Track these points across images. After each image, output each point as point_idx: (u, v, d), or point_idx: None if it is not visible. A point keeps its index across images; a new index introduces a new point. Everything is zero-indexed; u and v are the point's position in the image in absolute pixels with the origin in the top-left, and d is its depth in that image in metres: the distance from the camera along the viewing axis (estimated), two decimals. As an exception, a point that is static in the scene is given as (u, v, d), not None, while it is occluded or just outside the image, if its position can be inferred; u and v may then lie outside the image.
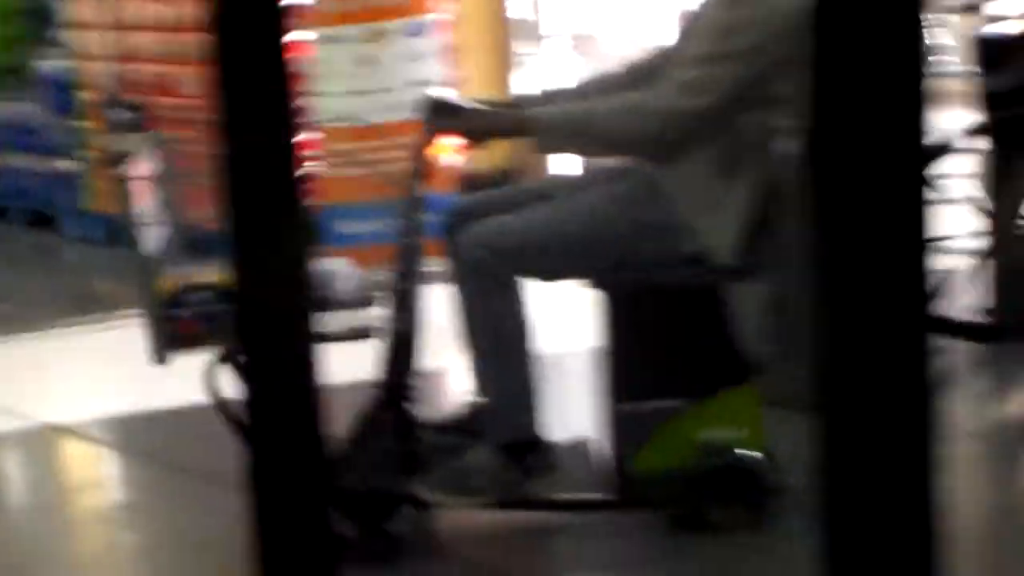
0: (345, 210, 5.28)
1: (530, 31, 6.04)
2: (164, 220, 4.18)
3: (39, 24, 7.19)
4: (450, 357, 3.61)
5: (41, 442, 4.72)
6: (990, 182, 4.23)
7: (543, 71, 5.92)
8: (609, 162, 3.63)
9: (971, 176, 4.35)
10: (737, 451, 3.32)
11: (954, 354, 4.18)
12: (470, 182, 4.36)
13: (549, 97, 3.72)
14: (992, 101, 4.16)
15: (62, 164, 6.73)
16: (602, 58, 5.67)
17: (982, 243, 4.38)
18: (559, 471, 3.39)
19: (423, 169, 3.35)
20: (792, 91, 3.18)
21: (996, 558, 3.13)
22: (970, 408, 3.99)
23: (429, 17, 5.25)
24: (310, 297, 1.57)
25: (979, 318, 4.36)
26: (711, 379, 3.33)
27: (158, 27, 6.07)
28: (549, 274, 3.38)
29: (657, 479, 3.36)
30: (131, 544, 3.86)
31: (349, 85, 5.17)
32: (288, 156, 1.29)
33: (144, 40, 6.22)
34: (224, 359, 3.39)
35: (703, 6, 3.40)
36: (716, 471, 3.32)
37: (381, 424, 3.48)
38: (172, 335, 3.96)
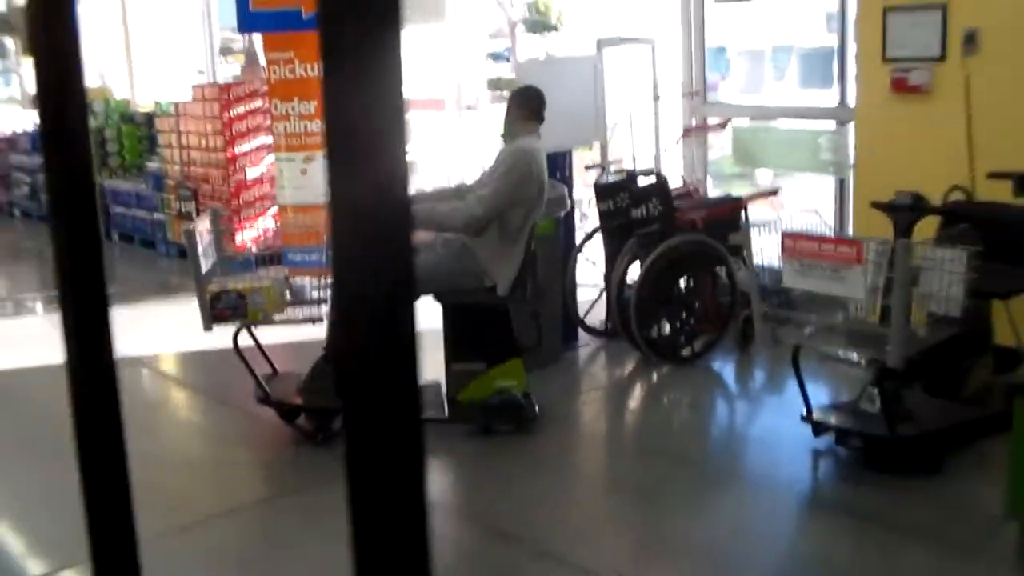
0: (297, 249, 9.11)
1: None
2: (210, 253, 5.18)
3: (148, 142, 11.07)
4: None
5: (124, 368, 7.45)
6: (608, 255, 6.26)
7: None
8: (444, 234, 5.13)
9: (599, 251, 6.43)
10: (512, 393, 5.04)
11: (588, 343, 6.47)
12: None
13: (416, 198, 5.20)
14: (603, 217, 6.26)
15: (158, 215, 10.28)
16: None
17: (603, 286, 6.42)
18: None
19: None
20: (532, 199, 5.01)
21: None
22: (595, 372, 6.30)
23: None
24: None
25: (602, 324, 6.54)
26: (499, 353, 5.07)
27: (200, 147, 9.52)
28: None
29: (470, 407, 5.06)
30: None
31: (295, 184, 8.48)
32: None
33: (195, 154, 9.61)
34: (241, 329, 4.99)
35: (497, 156, 5.24)
36: (502, 403, 5.06)
37: (325, 370, 5.07)
38: (213, 315, 4.98)
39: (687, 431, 5.25)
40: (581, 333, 6.51)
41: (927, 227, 4.97)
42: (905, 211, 4.70)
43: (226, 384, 6.23)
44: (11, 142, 13.62)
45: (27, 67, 16.73)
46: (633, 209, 5.83)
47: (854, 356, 5.39)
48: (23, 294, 9.42)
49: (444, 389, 5.09)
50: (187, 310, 7.45)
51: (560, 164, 6.40)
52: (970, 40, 5.55)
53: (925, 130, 5.82)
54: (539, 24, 14.57)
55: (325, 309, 5.09)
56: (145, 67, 12.85)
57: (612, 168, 6.65)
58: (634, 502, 4.56)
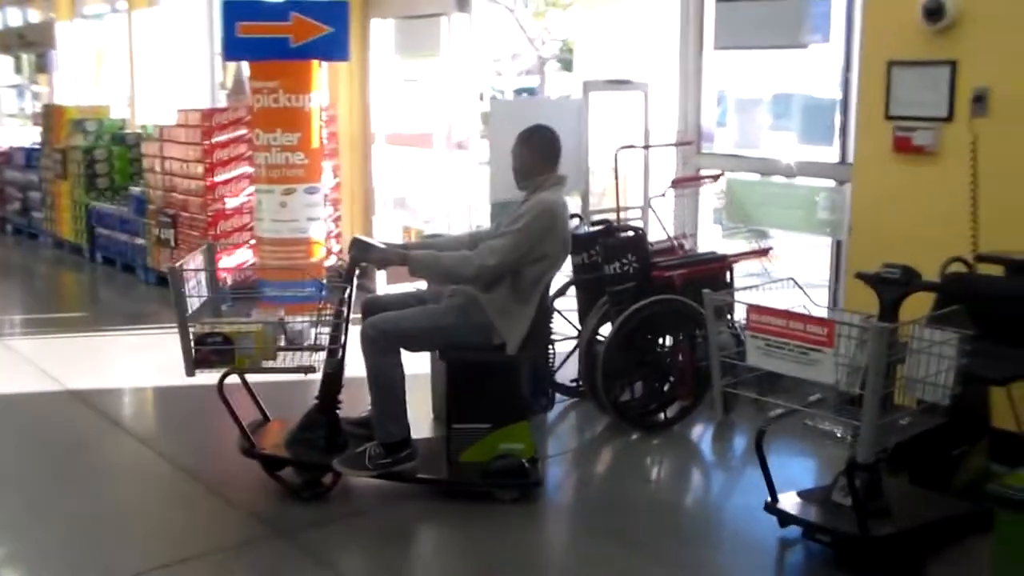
0: (274, 283, 8.29)
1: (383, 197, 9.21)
2: (201, 292, 4.94)
3: (132, 166, 10.83)
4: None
5: (59, 401, 6.27)
6: (580, 311, 5.90)
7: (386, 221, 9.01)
8: (451, 286, 4.86)
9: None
10: (516, 457, 4.75)
11: (560, 401, 6.05)
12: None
13: (425, 244, 5.09)
14: (576, 270, 5.82)
15: (139, 240, 9.94)
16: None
17: (576, 344, 6.00)
18: (418, 460, 4.70)
19: (349, 276, 4.72)
20: (552, 256, 4.73)
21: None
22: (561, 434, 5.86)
23: (320, 183, 8.30)
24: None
25: (574, 382, 6.16)
26: (506, 414, 4.77)
27: (181, 174, 9.18)
28: (413, 348, 4.77)
29: (472, 469, 4.75)
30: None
31: (274, 217, 8.11)
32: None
33: (176, 180, 9.25)
34: (227, 374, 4.70)
35: (519, 206, 4.86)
36: (503, 468, 4.74)
37: (318, 421, 4.82)
38: (197, 360, 4.70)
39: (645, 510, 4.77)
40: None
41: (923, 302, 4.55)
42: (892, 285, 4.28)
43: (177, 428, 5.99)
44: (7, 157, 13.39)
45: (39, 84, 16.80)
46: (606, 264, 5.40)
47: (838, 432, 4.93)
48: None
49: (447, 449, 4.84)
50: (154, 343, 7.53)
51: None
52: (980, 100, 5.15)
53: (927, 194, 5.40)
54: (571, 62, 14.30)
55: (320, 357, 4.76)
56: (149, 89, 12.64)
57: (593, 218, 6.22)
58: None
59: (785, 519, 4.29)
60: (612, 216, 6.23)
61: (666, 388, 5.82)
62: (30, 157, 12.66)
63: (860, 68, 5.70)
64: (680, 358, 5.84)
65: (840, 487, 4.13)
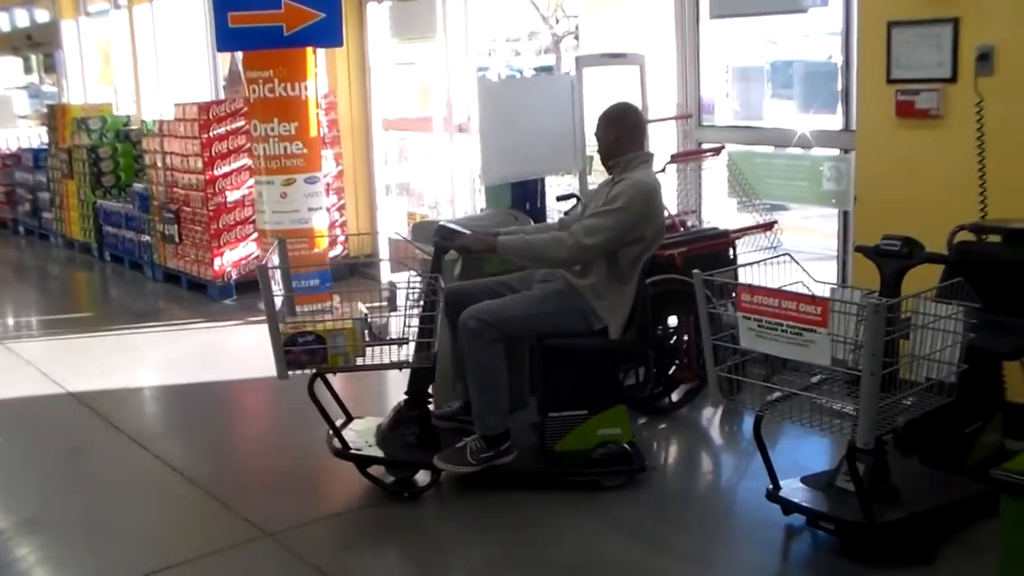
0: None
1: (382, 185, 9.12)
2: (279, 290, 4.62)
3: (137, 163, 10.74)
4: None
5: (60, 404, 6.23)
6: None
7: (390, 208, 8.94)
8: (542, 271, 4.77)
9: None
10: (618, 443, 4.65)
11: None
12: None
13: (511, 230, 4.86)
14: None
15: (145, 237, 9.89)
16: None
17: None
18: (516, 452, 4.61)
19: (436, 264, 4.64)
20: (648, 239, 4.56)
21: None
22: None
23: (320, 172, 8.22)
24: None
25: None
26: (603, 399, 4.67)
27: (182, 169, 8.99)
28: (515, 337, 4.57)
29: (571, 458, 4.68)
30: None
31: (275, 208, 7.99)
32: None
33: (176, 175, 9.10)
34: (320, 373, 4.53)
35: (598, 187, 4.89)
36: (606, 455, 4.64)
37: (408, 418, 4.73)
38: (289, 361, 4.47)
39: (648, 499, 4.60)
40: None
41: (933, 274, 4.35)
42: (893, 258, 4.08)
43: (176, 430, 5.92)
44: (17, 159, 13.35)
45: (47, 83, 16.76)
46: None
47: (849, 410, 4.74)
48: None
49: (544, 439, 4.71)
50: (157, 341, 7.50)
51: (531, 193, 5.86)
52: (984, 59, 4.92)
53: (933, 160, 5.18)
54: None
55: (408, 351, 4.61)
56: (153, 85, 12.55)
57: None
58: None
59: (788, 507, 4.12)
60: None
61: (671, 371, 5.64)
62: (38, 158, 12.60)
63: (859, 31, 5.47)
64: (684, 339, 5.66)
65: (843, 472, 3.95)
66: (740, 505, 4.55)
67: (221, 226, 8.69)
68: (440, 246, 4.68)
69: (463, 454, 4.57)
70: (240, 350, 7.46)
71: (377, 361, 4.61)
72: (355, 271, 9.38)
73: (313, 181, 8.29)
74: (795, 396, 3.91)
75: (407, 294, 4.66)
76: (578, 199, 5.78)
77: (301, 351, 4.47)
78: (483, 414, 4.54)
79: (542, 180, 5.97)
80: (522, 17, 23.21)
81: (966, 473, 4.30)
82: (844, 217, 5.89)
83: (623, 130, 4.76)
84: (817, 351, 3.50)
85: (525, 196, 5.85)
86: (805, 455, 4.90)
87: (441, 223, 4.83)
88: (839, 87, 5.85)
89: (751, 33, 7.19)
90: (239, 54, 8.72)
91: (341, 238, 9.25)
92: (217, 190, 8.64)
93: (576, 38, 21.12)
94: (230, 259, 8.75)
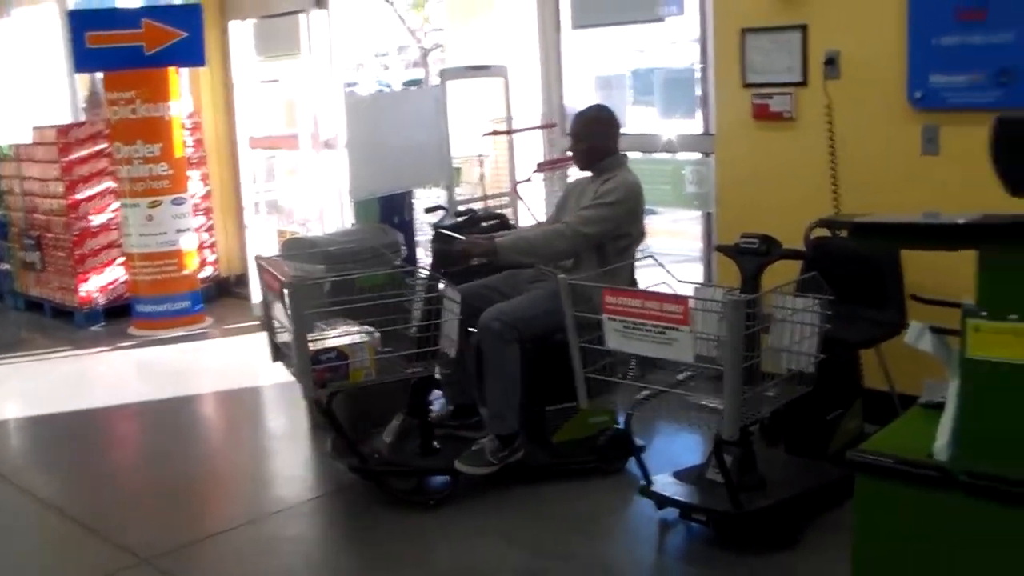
0: (146, 298, 8.20)
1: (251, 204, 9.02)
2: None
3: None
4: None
5: None
6: None
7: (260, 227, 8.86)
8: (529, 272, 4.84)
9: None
10: (615, 428, 4.76)
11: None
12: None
13: (510, 234, 4.97)
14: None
15: (3, 265, 9.54)
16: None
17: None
18: (523, 448, 4.69)
19: (437, 272, 4.60)
20: (634, 236, 4.74)
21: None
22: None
23: (187, 193, 8.17)
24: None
25: None
26: (593, 389, 4.24)
27: (42, 193, 8.66)
28: (530, 336, 4.54)
29: (574, 446, 4.78)
30: None
31: (142, 231, 7.98)
32: None
33: (37, 200, 8.78)
34: (340, 390, 4.44)
35: (571, 187, 5.07)
36: (611, 439, 4.76)
37: (412, 427, 4.76)
38: (313, 380, 4.34)
39: (524, 503, 4.65)
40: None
41: (794, 269, 4.52)
42: (751, 255, 4.22)
43: (44, 460, 5.74)
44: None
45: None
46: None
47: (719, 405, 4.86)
48: None
49: (543, 432, 4.79)
50: (26, 372, 7.33)
51: (398, 207, 5.89)
52: (831, 63, 5.13)
53: (789, 160, 5.37)
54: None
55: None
56: (9, 108, 12.13)
57: (461, 208, 6.07)
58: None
59: (661, 501, 4.22)
60: (479, 205, 6.11)
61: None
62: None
63: (715, 37, 5.63)
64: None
65: (712, 465, 4.07)
66: (617, 502, 4.62)
67: (86, 251, 8.46)
68: (441, 252, 4.70)
69: (482, 455, 4.60)
70: (109, 376, 7.29)
71: (401, 374, 4.57)
72: (226, 292, 9.26)
73: (180, 202, 8.26)
74: (663, 394, 4.01)
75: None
76: (446, 211, 5.82)
77: (325, 369, 4.36)
78: (502, 413, 4.59)
79: (410, 193, 6.00)
80: (391, 31, 23.22)
81: (829, 459, 4.47)
82: (708, 219, 6.05)
83: (605, 132, 4.92)
84: (681, 348, 3.60)
85: (393, 210, 5.88)
86: (679, 450, 5.00)
87: (438, 230, 4.85)
88: (698, 92, 6.01)
89: (615, 42, 7.34)
90: (99, 75, 8.51)
91: (211, 258, 9.11)
92: (80, 214, 8.41)
93: (444, 51, 21.26)
94: (96, 284, 8.53)
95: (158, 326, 8.21)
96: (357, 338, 4.44)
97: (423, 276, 4.66)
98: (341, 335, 4.44)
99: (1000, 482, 2.81)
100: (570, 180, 6.40)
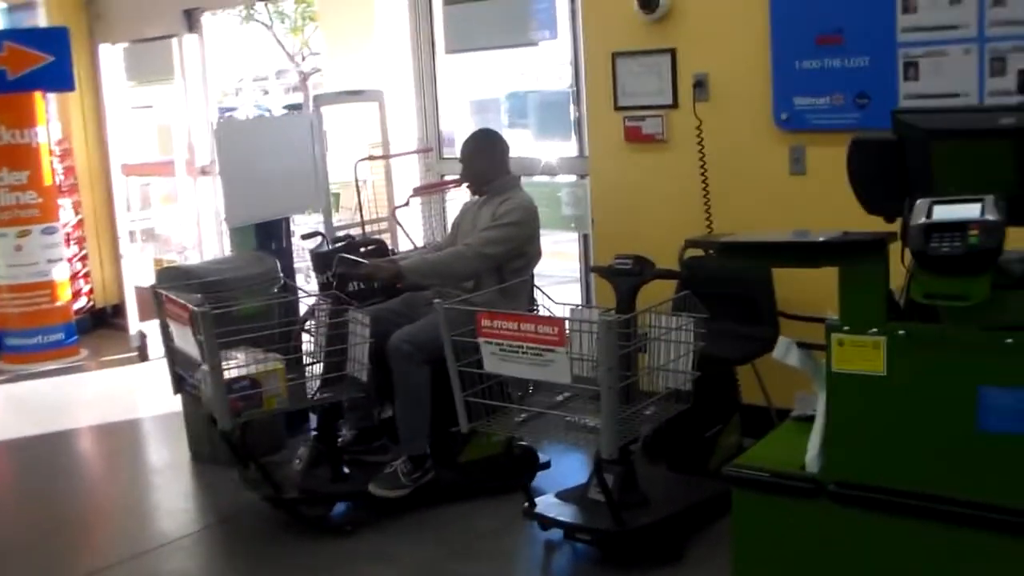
0: (16, 331, 7.95)
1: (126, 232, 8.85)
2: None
3: None
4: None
5: None
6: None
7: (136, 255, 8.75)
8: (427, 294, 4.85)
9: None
10: (518, 443, 4.67)
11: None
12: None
13: (408, 256, 5.13)
14: (322, 290, 5.14)
15: None
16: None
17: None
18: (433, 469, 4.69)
19: (343, 295, 4.58)
20: (530, 255, 4.83)
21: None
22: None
23: (58, 222, 7.96)
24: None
25: None
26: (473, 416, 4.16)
27: None
28: (436, 358, 4.25)
29: (481, 465, 4.75)
30: None
31: (11, 261, 7.72)
32: None
33: None
34: (253, 418, 4.36)
35: (465, 209, 5.13)
36: (522, 454, 4.79)
37: (321, 453, 4.72)
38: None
39: (405, 526, 4.62)
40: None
41: (670, 288, 4.60)
42: (625, 276, 4.29)
43: None
44: None
45: None
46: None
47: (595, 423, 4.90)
48: None
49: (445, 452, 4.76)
50: None
51: (275, 234, 5.82)
52: (700, 86, 5.25)
53: (662, 181, 5.48)
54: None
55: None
56: None
57: (340, 234, 6.03)
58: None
59: (544, 522, 4.24)
60: (356, 231, 6.08)
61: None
62: None
63: (586, 61, 5.72)
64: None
65: (594, 484, 4.11)
66: (501, 524, 4.62)
67: (-48, 283, 8.16)
68: (344, 275, 4.69)
69: (396, 479, 4.59)
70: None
71: (314, 401, 4.59)
72: (102, 322, 9.04)
73: (51, 232, 8.05)
74: (543, 415, 4.04)
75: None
76: (324, 237, 5.78)
77: (237, 398, 4.27)
78: (413, 435, 4.59)
79: (287, 220, 5.94)
80: (269, 55, 23.00)
81: (710, 474, 4.54)
82: (584, 240, 6.13)
83: (495, 155, 5.00)
84: (557, 370, 3.63)
85: (270, 236, 5.82)
86: (565, 472, 5.03)
87: (341, 254, 4.83)
88: (573, 116, 6.09)
89: (491, 66, 7.38)
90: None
91: (86, 288, 8.87)
92: (-55, 246, 8.11)
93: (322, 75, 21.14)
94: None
95: (30, 359, 7.97)
96: (269, 365, 4.39)
97: (325, 301, 4.64)
98: (250, 363, 4.40)
99: (866, 490, 2.91)
100: (449, 203, 6.46)
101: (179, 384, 4.72)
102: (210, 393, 4.24)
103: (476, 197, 5.09)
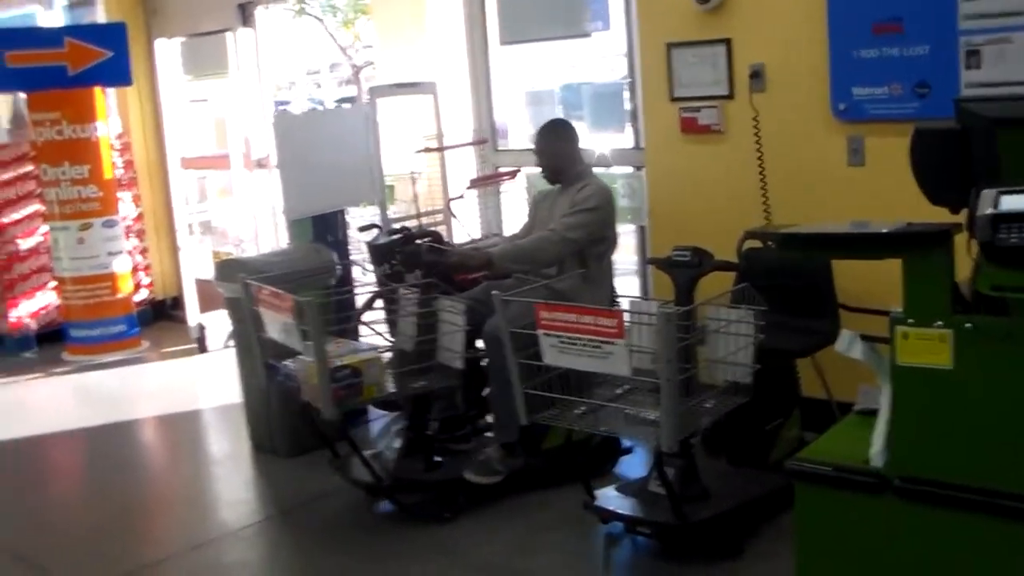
0: (79, 323, 8.10)
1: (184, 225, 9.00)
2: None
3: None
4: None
5: None
6: (390, 322, 5.47)
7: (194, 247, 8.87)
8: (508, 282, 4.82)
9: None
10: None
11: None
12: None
13: (497, 243, 5.25)
14: (380, 281, 5.67)
15: None
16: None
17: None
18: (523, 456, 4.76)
19: (430, 284, 4.63)
20: (610, 240, 4.93)
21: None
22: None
23: (118, 215, 8.07)
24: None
25: None
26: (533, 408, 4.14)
27: None
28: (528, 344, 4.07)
29: (565, 451, 4.60)
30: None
31: (73, 254, 7.86)
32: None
33: None
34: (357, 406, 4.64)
35: (539, 199, 5.19)
36: (603, 440, 4.79)
37: (415, 442, 4.78)
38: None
39: (462, 519, 4.63)
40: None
41: (729, 280, 4.57)
42: (683, 268, 4.27)
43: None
44: None
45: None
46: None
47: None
48: None
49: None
50: None
51: (332, 226, 5.86)
52: (756, 76, 5.20)
53: (719, 172, 5.44)
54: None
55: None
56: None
57: (396, 226, 6.06)
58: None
59: (605, 516, 4.25)
60: (413, 223, 6.11)
61: (484, 392, 5.69)
62: None
63: (640, 52, 5.69)
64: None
65: (655, 477, 4.10)
66: (563, 517, 4.61)
67: (15, 275, 8.31)
68: (433, 265, 4.69)
69: (490, 465, 4.66)
70: (45, 404, 7.15)
71: (411, 389, 4.61)
72: (162, 314, 9.16)
73: (112, 225, 8.14)
74: (603, 408, 4.04)
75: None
76: (380, 228, 5.81)
77: (340, 387, 4.31)
78: (507, 422, 4.55)
79: (343, 212, 5.98)
80: (322, 49, 23.13)
81: (770, 468, 4.52)
82: (641, 232, 6.11)
83: (570, 144, 5.08)
84: (616, 362, 3.63)
85: (327, 229, 5.86)
86: (625, 465, 5.03)
87: (429, 243, 4.87)
88: (627, 107, 6.07)
89: (545, 58, 7.38)
90: (22, 95, 8.38)
91: (146, 281, 8.99)
92: (8, 238, 8.27)
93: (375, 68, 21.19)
94: (27, 309, 8.39)
95: (93, 351, 8.09)
96: (370, 354, 4.46)
97: (414, 291, 4.66)
98: (350, 352, 4.46)
99: (932, 485, 2.88)
100: (504, 195, 6.47)
101: (270, 375, 4.75)
102: (315, 382, 4.27)
103: (550, 187, 5.15)
